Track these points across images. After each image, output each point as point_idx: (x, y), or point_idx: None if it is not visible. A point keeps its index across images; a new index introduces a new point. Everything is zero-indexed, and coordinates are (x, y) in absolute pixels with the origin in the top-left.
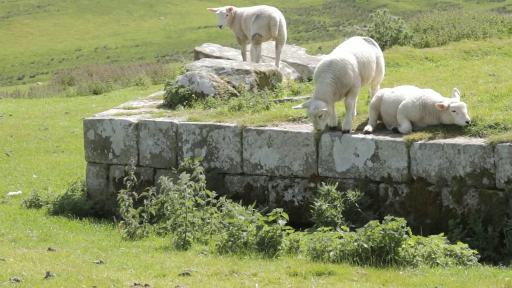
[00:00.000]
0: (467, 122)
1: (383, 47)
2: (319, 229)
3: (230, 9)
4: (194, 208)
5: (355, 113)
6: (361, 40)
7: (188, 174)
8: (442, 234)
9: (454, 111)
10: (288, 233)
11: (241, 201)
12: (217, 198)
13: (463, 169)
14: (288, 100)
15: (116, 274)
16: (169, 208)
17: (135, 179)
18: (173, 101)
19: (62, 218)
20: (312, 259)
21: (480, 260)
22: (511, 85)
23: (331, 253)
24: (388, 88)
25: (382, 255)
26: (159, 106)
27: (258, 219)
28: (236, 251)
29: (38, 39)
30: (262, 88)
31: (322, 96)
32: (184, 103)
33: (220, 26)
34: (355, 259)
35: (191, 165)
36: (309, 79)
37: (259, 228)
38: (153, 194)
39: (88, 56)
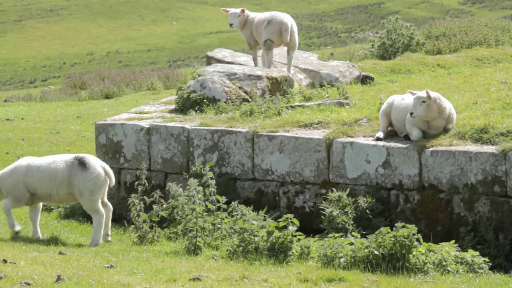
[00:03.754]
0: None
1: (395, 54)
2: (330, 235)
3: (242, 10)
4: (204, 213)
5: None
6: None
7: (198, 180)
8: (453, 241)
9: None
10: (299, 239)
11: (252, 206)
12: (228, 203)
13: (475, 176)
14: (299, 106)
15: (127, 278)
16: (179, 213)
17: (146, 184)
18: (184, 106)
19: (73, 222)
20: (323, 265)
21: (491, 268)
22: None
23: (342, 260)
24: (399, 95)
25: (393, 262)
26: (171, 111)
27: (269, 224)
28: (246, 257)
29: (50, 43)
30: (273, 93)
31: None
32: (196, 108)
33: (231, 25)
34: (366, 265)
35: (202, 170)
36: (321, 85)
37: (269, 233)
38: (161, 197)
39: (100, 60)
